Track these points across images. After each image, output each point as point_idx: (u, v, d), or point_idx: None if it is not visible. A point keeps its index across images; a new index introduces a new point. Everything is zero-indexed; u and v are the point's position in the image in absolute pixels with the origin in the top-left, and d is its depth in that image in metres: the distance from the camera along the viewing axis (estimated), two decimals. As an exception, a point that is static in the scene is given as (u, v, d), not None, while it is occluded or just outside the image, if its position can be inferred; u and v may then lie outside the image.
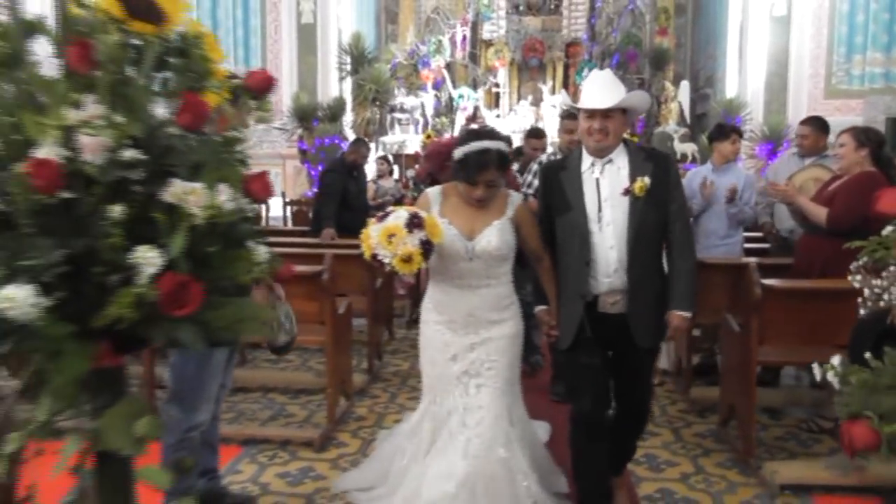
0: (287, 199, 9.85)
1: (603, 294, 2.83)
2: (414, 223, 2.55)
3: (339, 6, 12.61)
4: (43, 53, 1.35)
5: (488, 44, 13.83)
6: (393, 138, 12.76)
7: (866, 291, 1.11)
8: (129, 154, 1.26)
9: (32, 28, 1.35)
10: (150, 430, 1.38)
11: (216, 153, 1.40)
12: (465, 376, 2.93)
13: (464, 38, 13.91)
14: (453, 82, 13.73)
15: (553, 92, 13.10)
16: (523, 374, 3.25)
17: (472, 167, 2.78)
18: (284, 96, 11.47)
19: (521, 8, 13.96)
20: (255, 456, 3.82)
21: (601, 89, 2.80)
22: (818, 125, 4.94)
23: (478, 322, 2.93)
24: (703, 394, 4.50)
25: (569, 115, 5.17)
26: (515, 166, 5.40)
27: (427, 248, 2.55)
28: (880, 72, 9.82)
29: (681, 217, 2.88)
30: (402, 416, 4.40)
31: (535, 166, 4.91)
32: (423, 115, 13.41)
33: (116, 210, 1.19)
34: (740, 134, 5.14)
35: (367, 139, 7.91)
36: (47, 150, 1.19)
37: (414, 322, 6.93)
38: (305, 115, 11.26)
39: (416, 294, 6.76)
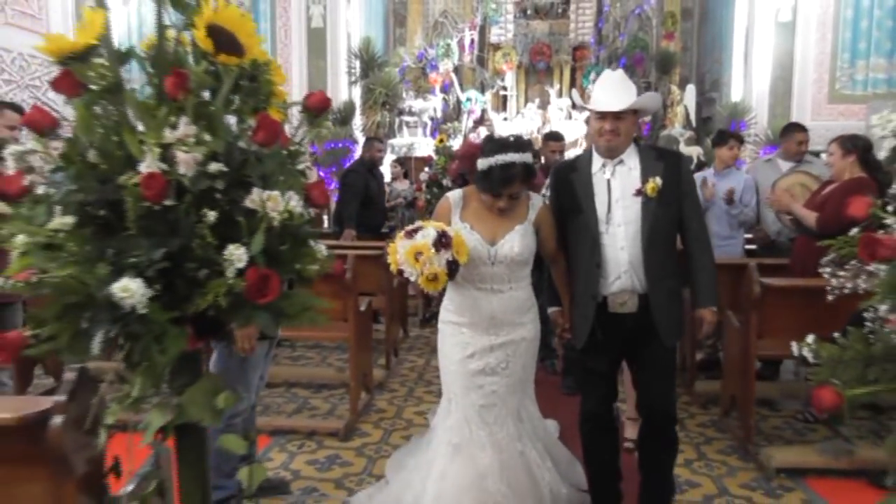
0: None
1: (612, 295, 2.81)
2: (442, 243, 2.52)
3: (348, 10, 12.79)
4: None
5: (496, 47, 13.97)
6: (401, 141, 12.94)
7: (833, 281, 1.32)
8: (214, 167, 1.48)
9: (126, 57, 1.58)
10: (229, 403, 1.61)
11: (283, 165, 1.64)
12: (481, 375, 2.92)
13: (472, 41, 14.08)
14: (461, 85, 13.92)
15: (560, 95, 13.26)
16: (538, 373, 3.28)
17: (497, 181, 2.75)
18: (294, 100, 11.65)
19: (528, 12, 14.11)
20: (283, 445, 4.04)
21: (613, 91, 2.79)
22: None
23: (499, 324, 2.92)
24: (707, 387, 4.73)
25: (552, 138, 5.44)
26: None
27: (453, 268, 2.54)
28: (883, 77, 9.96)
29: (695, 213, 2.88)
30: (420, 408, 4.63)
31: None
32: (432, 118, 13.61)
33: (211, 215, 1.42)
34: (740, 140, 5.34)
35: (379, 139, 8.14)
36: (149, 165, 1.42)
37: (426, 321, 7.16)
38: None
39: (427, 294, 6.98)
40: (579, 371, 3.14)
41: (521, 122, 13.13)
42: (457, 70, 13.94)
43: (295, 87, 11.84)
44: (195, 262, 1.45)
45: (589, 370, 2.97)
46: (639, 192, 2.76)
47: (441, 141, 7.59)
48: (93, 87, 1.48)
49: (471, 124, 13.36)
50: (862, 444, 3.84)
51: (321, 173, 11.22)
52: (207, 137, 1.48)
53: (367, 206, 6.56)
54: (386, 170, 8.93)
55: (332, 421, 4.39)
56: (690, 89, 12.80)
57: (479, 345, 2.92)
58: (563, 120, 12.47)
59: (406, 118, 13.53)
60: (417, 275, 2.53)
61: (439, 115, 13.60)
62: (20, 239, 1.39)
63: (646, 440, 3.01)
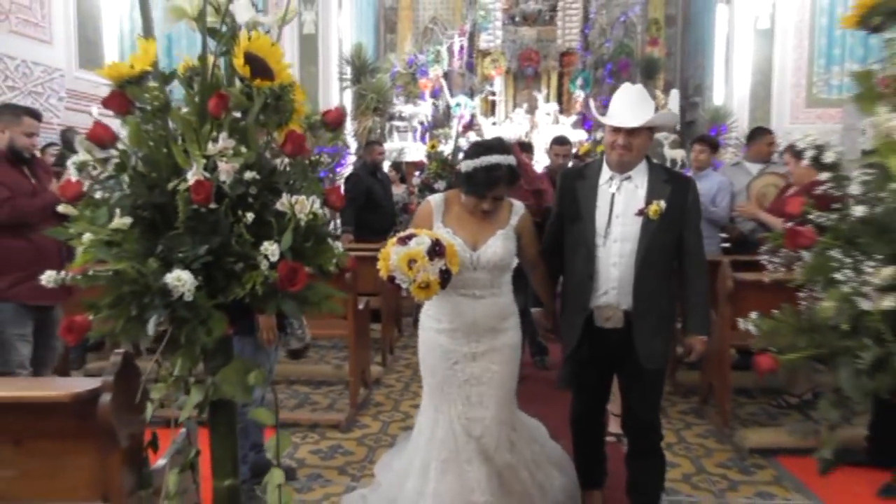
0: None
1: (598, 308, 2.83)
2: (436, 251, 2.46)
3: (339, 16, 12.96)
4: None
5: (485, 53, 14.23)
6: (392, 146, 13.12)
7: (770, 266, 1.58)
8: (249, 175, 1.73)
9: (170, 78, 1.82)
10: (259, 380, 1.85)
11: (305, 173, 1.88)
12: (467, 385, 2.87)
13: (461, 47, 14.32)
14: (451, 91, 14.16)
15: (548, 100, 13.53)
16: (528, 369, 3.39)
17: (482, 183, 2.73)
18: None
19: (517, 19, 14.34)
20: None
21: (630, 106, 2.75)
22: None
23: (480, 331, 2.87)
24: (687, 378, 5.01)
25: (557, 142, 5.57)
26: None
27: (446, 277, 2.47)
28: (858, 81, 10.26)
29: (696, 240, 2.82)
30: (415, 401, 4.85)
31: None
32: (422, 122, 13.85)
33: (249, 216, 1.66)
34: (710, 144, 5.61)
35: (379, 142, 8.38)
36: (195, 173, 1.66)
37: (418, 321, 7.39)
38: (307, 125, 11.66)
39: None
40: (570, 380, 3.15)
41: (510, 126, 13.38)
42: (447, 75, 14.17)
43: (287, 92, 11.98)
44: (233, 257, 1.70)
45: (580, 382, 3.06)
46: (641, 213, 2.75)
47: (433, 146, 7.83)
48: (146, 106, 1.72)
49: (460, 129, 13.60)
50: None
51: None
52: (243, 149, 1.73)
53: (372, 210, 6.65)
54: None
55: (333, 414, 4.63)
56: (674, 94, 13.07)
57: (461, 353, 2.87)
58: (551, 125, 12.73)
59: (396, 123, 13.74)
60: (410, 282, 2.46)
61: (429, 119, 13.83)
62: (86, 237, 1.63)
63: (632, 457, 3.05)
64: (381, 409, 4.81)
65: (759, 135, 5.61)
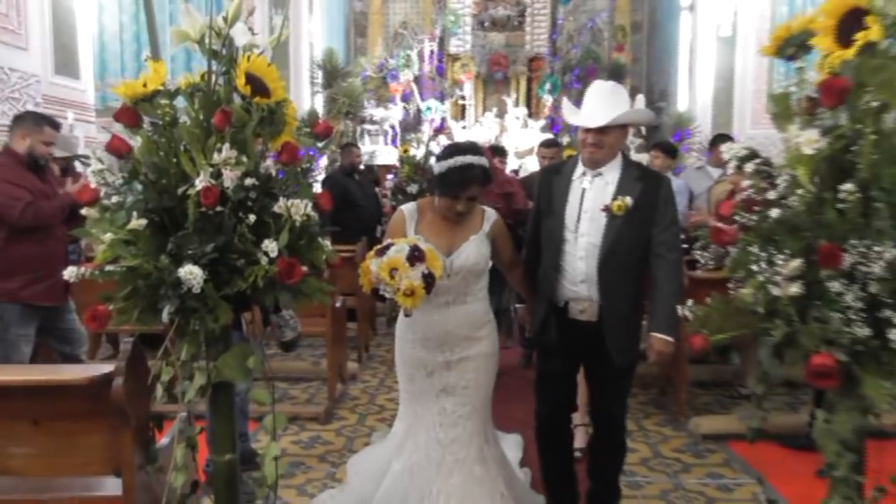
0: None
1: (572, 301, 2.85)
2: (416, 256, 2.44)
3: (310, 21, 13.08)
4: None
5: (455, 58, 14.44)
6: (363, 149, 13.28)
7: (702, 261, 1.84)
8: (249, 181, 1.95)
9: (175, 96, 2.04)
10: (257, 365, 2.08)
11: (298, 179, 2.11)
12: (443, 394, 2.88)
13: (431, 52, 14.51)
14: (421, 95, 14.35)
15: (517, 104, 13.79)
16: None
17: (457, 183, 2.73)
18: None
19: (486, 24, 14.55)
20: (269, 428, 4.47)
21: (599, 104, 2.75)
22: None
23: (453, 340, 2.86)
24: (646, 370, 5.27)
25: (544, 145, 5.81)
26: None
27: (430, 281, 2.44)
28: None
29: (668, 239, 2.78)
30: (391, 395, 5.09)
31: None
32: (392, 126, 14.04)
33: (251, 218, 1.88)
34: (666, 151, 5.91)
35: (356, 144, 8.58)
36: (203, 180, 1.87)
37: (393, 320, 7.61)
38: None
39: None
40: (536, 373, 3.12)
41: (480, 130, 13.61)
42: (417, 80, 14.36)
43: (259, 97, 12.09)
44: (236, 254, 1.91)
45: (545, 372, 3.04)
46: (606, 209, 2.76)
47: (406, 150, 8.04)
48: (157, 121, 1.93)
49: (431, 133, 13.81)
50: (776, 413, 4.46)
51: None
52: (243, 159, 1.95)
53: (351, 210, 6.72)
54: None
55: (312, 407, 4.83)
56: (640, 99, 13.18)
57: (435, 362, 2.88)
58: (520, 129, 12.99)
59: (368, 126, 13.91)
60: (394, 291, 2.44)
61: (400, 123, 14.02)
62: (107, 236, 1.84)
63: (595, 445, 3.13)
64: (357, 402, 5.03)
65: (720, 141, 5.93)
